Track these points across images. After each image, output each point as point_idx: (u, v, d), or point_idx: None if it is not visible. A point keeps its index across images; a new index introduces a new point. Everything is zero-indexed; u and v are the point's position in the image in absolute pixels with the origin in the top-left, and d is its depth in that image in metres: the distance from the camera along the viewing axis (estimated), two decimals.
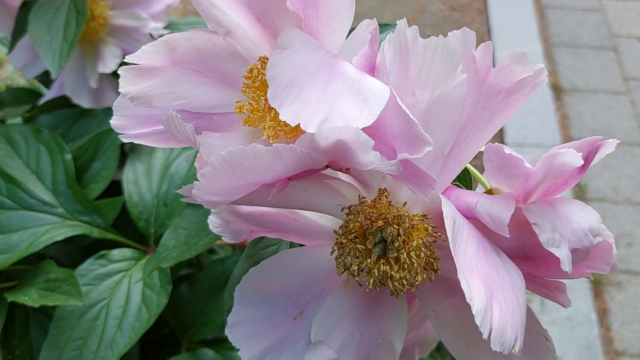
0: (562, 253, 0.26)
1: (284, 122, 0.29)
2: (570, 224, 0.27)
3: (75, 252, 0.67)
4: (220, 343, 0.68)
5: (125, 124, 0.31)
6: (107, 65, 0.61)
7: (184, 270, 0.74)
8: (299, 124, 0.27)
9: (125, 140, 0.31)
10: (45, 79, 0.71)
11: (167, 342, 0.74)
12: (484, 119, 0.28)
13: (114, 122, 0.31)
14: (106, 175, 0.60)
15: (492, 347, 0.23)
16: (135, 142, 0.31)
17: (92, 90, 0.64)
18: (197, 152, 0.61)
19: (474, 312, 0.23)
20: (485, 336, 0.23)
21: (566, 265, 0.26)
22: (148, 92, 0.29)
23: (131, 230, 0.61)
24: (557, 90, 1.85)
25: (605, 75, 1.91)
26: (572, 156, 0.26)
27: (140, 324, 0.53)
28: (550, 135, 1.72)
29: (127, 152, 0.64)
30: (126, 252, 0.58)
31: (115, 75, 0.66)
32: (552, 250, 0.26)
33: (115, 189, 0.65)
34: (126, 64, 0.28)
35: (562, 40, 2.04)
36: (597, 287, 1.42)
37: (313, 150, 0.25)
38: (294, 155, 0.24)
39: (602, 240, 0.28)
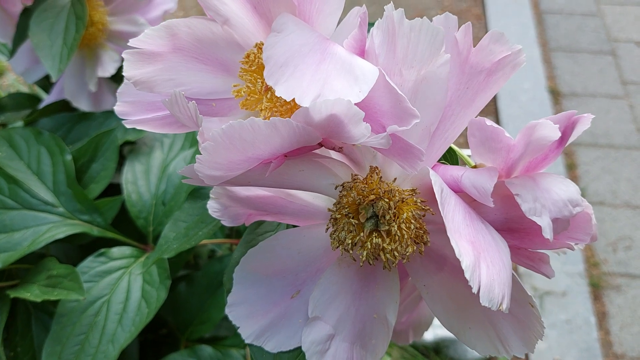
0: (544, 222, 0.28)
1: (280, 103, 0.31)
2: (551, 194, 0.29)
3: (74, 251, 0.68)
4: (219, 341, 0.69)
5: (129, 110, 0.33)
6: (106, 69, 0.63)
7: (181, 271, 0.75)
8: (294, 99, 0.29)
9: (128, 126, 0.33)
10: (45, 84, 0.73)
11: (165, 341, 0.75)
12: (467, 98, 0.30)
13: (117, 108, 0.33)
14: (105, 176, 0.61)
15: (481, 302, 0.25)
16: (138, 127, 0.33)
17: (91, 94, 0.66)
18: (195, 152, 0.63)
19: (463, 266, 0.24)
20: (474, 290, 0.25)
21: (547, 233, 0.28)
22: (150, 77, 0.31)
23: (130, 229, 0.63)
24: (556, 94, 1.88)
25: (603, 80, 1.94)
26: (550, 128, 0.27)
27: (140, 319, 0.55)
28: None
29: (125, 155, 0.66)
30: (125, 250, 0.59)
31: (114, 79, 0.68)
32: (534, 219, 0.28)
33: (112, 192, 0.67)
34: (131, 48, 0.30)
35: (561, 45, 2.08)
36: (596, 290, 1.43)
37: (307, 124, 0.26)
38: (289, 128, 0.26)
39: (582, 210, 0.29)
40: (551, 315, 1.36)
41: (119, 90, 0.33)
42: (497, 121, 1.78)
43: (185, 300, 0.69)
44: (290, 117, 0.30)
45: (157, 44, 0.30)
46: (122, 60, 0.65)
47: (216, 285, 0.69)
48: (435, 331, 1.23)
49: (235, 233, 0.75)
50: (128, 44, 0.29)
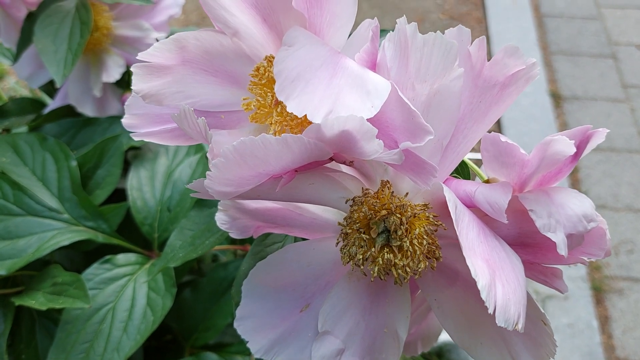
0: (558, 238, 0.27)
1: (290, 117, 0.30)
2: (565, 210, 0.28)
3: (78, 258, 0.68)
4: (223, 348, 0.69)
5: (136, 123, 0.32)
6: (111, 74, 0.63)
7: (186, 277, 0.75)
8: (306, 115, 0.29)
9: (136, 139, 0.32)
10: (49, 89, 0.73)
11: (169, 348, 0.74)
12: (480, 112, 0.30)
13: (125, 121, 0.32)
14: (110, 182, 0.61)
15: (497, 322, 0.24)
16: (146, 140, 0.32)
17: (96, 99, 0.66)
18: (200, 158, 0.62)
19: (479, 287, 0.24)
20: (490, 311, 0.24)
21: (562, 250, 0.27)
22: (159, 90, 0.31)
23: (135, 236, 0.62)
24: (557, 98, 1.87)
25: (604, 83, 1.93)
26: (565, 144, 0.27)
27: (146, 327, 0.54)
28: None
29: (129, 161, 0.66)
30: (131, 256, 0.59)
31: (118, 84, 0.67)
32: (549, 235, 0.28)
33: (118, 198, 0.66)
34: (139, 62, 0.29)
35: (561, 49, 2.07)
36: (598, 294, 1.42)
37: (319, 140, 0.26)
38: (301, 144, 0.25)
39: (596, 225, 0.29)
40: (553, 319, 1.36)
41: (127, 103, 0.32)
42: (499, 125, 1.77)
43: (189, 306, 0.69)
44: (301, 132, 0.30)
45: (166, 57, 0.30)
46: (127, 65, 0.65)
47: (221, 292, 0.69)
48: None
49: (239, 239, 0.74)
50: (137, 57, 0.29)
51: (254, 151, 0.25)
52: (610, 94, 1.89)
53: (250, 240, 0.69)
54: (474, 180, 0.37)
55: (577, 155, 0.30)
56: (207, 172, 0.26)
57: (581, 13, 2.20)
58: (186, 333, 0.70)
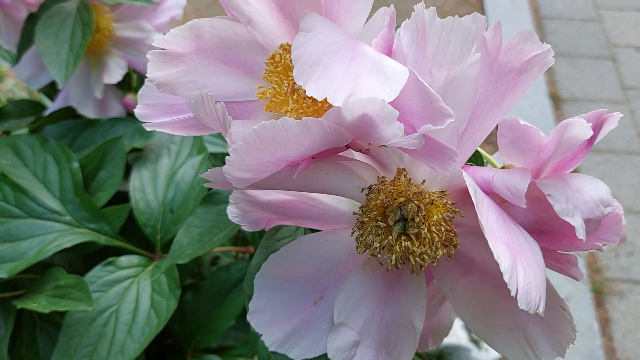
0: (576, 222, 0.27)
1: (307, 104, 0.30)
2: (582, 195, 0.28)
3: (78, 261, 0.67)
4: (226, 351, 0.68)
5: (149, 113, 0.32)
6: (112, 76, 0.62)
7: (186, 280, 0.74)
8: (323, 101, 0.29)
9: (148, 129, 0.32)
10: (49, 91, 0.72)
11: (171, 352, 0.74)
12: (495, 98, 0.30)
13: (137, 111, 0.32)
14: (113, 184, 0.60)
15: (519, 305, 0.24)
16: (158, 130, 0.32)
17: (97, 101, 0.65)
18: (203, 158, 0.62)
19: (502, 269, 0.24)
20: (513, 294, 0.24)
21: (581, 234, 0.27)
22: (173, 79, 0.30)
23: (137, 237, 0.62)
24: (556, 99, 1.89)
25: (603, 85, 1.94)
26: (582, 127, 0.27)
27: (150, 329, 0.53)
28: None
29: (130, 162, 0.65)
30: (133, 258, 0.58)
31: (119, 86, 0.67)
32: (567, 219, 0.28)
33: (119, 201, 0.66)
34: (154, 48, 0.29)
35: (561, 50, 2.09)
36: (599, 296, 1.42)
37: (339, 125, 0.26)
38: (321, 128, 0.25)
39: (612, 210, 0.29)
40: None
41: (139, 93, 0.32)
42: (497, 126, 1.78)
43: (191, 309, 0.68)
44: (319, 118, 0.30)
45: (182, 45, 0.30)
46: (129, 67, 0.65)
47: (223, 295, 0.68)
48: None
49: (241, 240, 0.74)
50: (153, 43, 0.29)
51: (275, 135, 0.25)
52: (609, 96, 1.90)
53: (254, 242, 0.68)
54: None
55: (591, 140, 0.30)
56: (227, 158, 0.26)
57: (580, 15, 2.23)
58: (188, 336, 0.69)
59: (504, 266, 0.25)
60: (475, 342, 1.33)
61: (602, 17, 2.21)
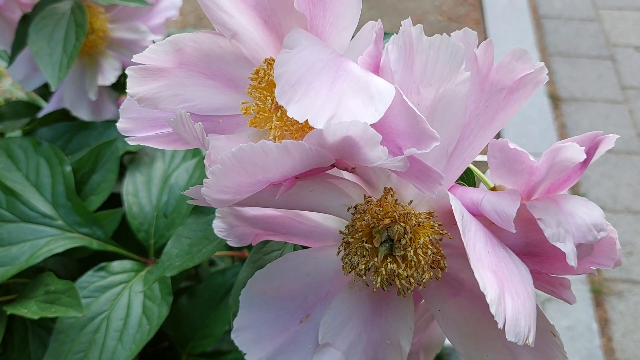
0: (567, 248, 0.27)
1: (291, 122, 0.29)
2: (574, 219, 0.27)
3: (73, 265, 0.66)
4: (221, 355, 0.68)
5: (132, 127, 0.31)
6: (107, 77, 0.62)
7: (183, 283, 0.74)
8: (307, 120, 0.28)
9: (131, 143, 0.31)
10: (44, 92, 0.72)
11: (166, 355, 0.73)
12: (486, 117, 0.29)
13: (120, 125, 0.31)
14: (106, 188, 0.60)
15: (507, 337, 0.24)
16: (142, 144, 0.31)
17: (91, 103, 0.65)
18: (197, 162, 0.61)
19: (488, 301, 0.23)
20: (500, 325, 0.23)
21: (572, 260, 0.26)
22: (154, 94, 0.30)
23: (131, 242, 0.61)
24: (555, 99, 1.87)
25: (603, 85, 1.92)
26: (575, 151, 0.26)
27: (141, 336, 0.53)
28: (548, 145, 1.72)
29: (125, 165, 0.65)
30: (126, 263, 0.58)
31: (114, 87, 0.66)
32: (558, 244, 0.27)
33: (113, 203, 0.65)
34: (134, 64, 0.28)
35: (560, 50, 2.07)
36: (598, 296, 1.41)
37: (321, 147, 0.25)
38: (302, 151, 0.24)
39: (606, 235, 0.28)
40: (553, 322, 1.35)
41: (122, 107, 0.31)
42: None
43: (186, 313, 0.68)
44: (301, 138, 0.29)
45: (162, 60, 0.29)
46: (123, 68, 0.64)
47: (218, 299, 0.68)
48: None
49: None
50: (132, 59, 0.28)
51: (253, 158, 0.24)
52: (608, 96, 1.88)
53: (249, 246, 0.68)
54: (478, 186, 0.36)
55: (586, 162, 0.29)
56: (205, 180, 0.25)
57: (579, 14, 2.20)
58: (183, 340, 0.68)
59: (490, 297, 0.24)
60: None
61: (601, 16, 2.19)
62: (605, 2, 2.26)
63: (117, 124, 0.31)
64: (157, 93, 0.30)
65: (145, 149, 0.63)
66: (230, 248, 0.73)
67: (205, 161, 0.25)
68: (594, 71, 1.98)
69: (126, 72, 0.28)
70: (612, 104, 1.86)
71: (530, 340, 0.25)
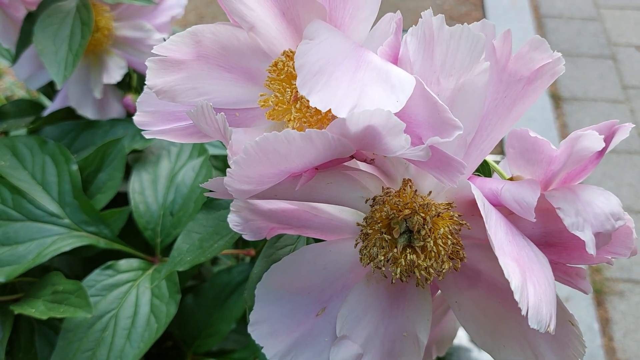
0: (587, 236, 0.27)
1: (310, 113, 0.29)
2: (592, 208, 0.28)
3: (77, 264, 0.66)
4: (226, 354, 0.68)
5: (149, 121, 0.31)
6: (112, 76, 0.62)
7: (187, 282, 0.74)
8: (327, 112, 0.28)
9: (148, 137, 0.31)
10: (48, 90, 0.71)
11: (170, 355, 0.73)
12: (504, 107, 0.29)
13: (137, 118, 0.31)
14: (112, 186, 0.60)
15: (529, 324, 0.24)
16: (158, 137, 0.31)
17: (96, 101, 0.64)
18: (203, 161, 0.61)
19: (512, 288, 0.23)
20: (523, 312, 0.23)
21: (591, 248, 0.27)
22: (172, 86, 0.30)
23: (137, 241, 0.61)
24: (557, 99, 1.87)
25: (604, 84, 1.93)
26: (594, 139, 0.26)
27: (149, 334, 0.53)
28: None
29: (130, 164, 0.64)
30: (133, 262, 0.58)
31: (119, 86, 0.66)
32: (577, 233, 0.27)
33: (119, 202, 0.65)
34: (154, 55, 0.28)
35: (561, 49, 2.07)
36: (599, 296, 1.42)
37: (343, 136, 0.25)
38: (325, 140, 0.24)
39: (624, 224, 0.28)
40: None
41: (138, 100, 0.31)
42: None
43: (192, 312, 0.68)
44: (321, 128, 0.29)
45: (182, 51, 0.29)
46: (128, 66, 0.64)
47: (224, 298, 0.68)
48: None
49: (242, 242, 0.73)
50: (152, 51, 0.28)
51: (277, 147, 0.24)
52: (610, 95, 1.89)
53: (254, 244, 0.68)
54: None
55: (602, 151, 0.29)
56: (228, 170, 0.25)
57: (580, 14, 2.21)
58: (188, 339, 0.68)
59: (514, 284, 0.24)
60: (475, 342, 1.33)
61: (603, 16, 2.20)
62: (606, 1, 2.28)
63: (134, 117, 0.31)
64: (175, 86, 0.30)
65: (151, 148, 0.62)
66: (236, 246, 0.73)
67: (227, 151, 0.25)
68: (595, 71, 1.98)
69: (146, 63, 0.28)
70: (613, 103, 1.86)
71: (552, 327, 0.25)
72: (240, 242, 0.74)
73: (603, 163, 1.70)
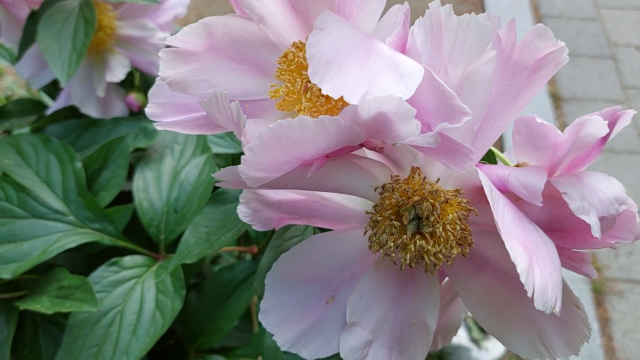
0: (592, 220, 0.27)
1: (320, 102, 0.30)
2: (597, 193, 0.28)
3: (81, 262, 0.66)
4: (229, 351, 0.68)
5: (160, 112, 0.32)
6: (115, 74, 0.62)
7: (190, 281, 0.74)
8: (337, 102, 0.29)
9: (159, 128, 0.32)
10: (50, 89, 0.72)
11: (173, 352, 0.73)
12: (510, 96, 0.30)
13: (148, 110, 0.32)
14: (116, 184, 0.60)
15: (535, 305, 0.24)
16: (169, 129, 0.32)
17: (99, 100, 0.65)
18: (207, 158, 0.62)
19: (518, 271, 0.24)
20: (529, 295, 0.24)
21: (596, 232, 0.27)
22: (184, 78, 0.30)
23: (141, 238, 0.61)
24: (556, 99, 1.89)
25: (604, 84, 1.94)
26: (598, 125, 0.27)
27: (155, 329, 0.53)
28: None
29: (132, 164, 0.65)
30: (137, 259, 0.58)
31: (122, 85, 0.67)
32: (583, 217, 0.27)
33: (122, 201, 0.65)
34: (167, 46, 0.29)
35: None
36: (599, 296, 1.43)
37: (355, 123, 0.25)
38: (337, 127, 0.25)
39: (627, 208, 0.29)
40: None
41: (150, 92, 0.32)
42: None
43: (194, 310, 0.68)
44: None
45: (194, 43, 0.29)
46: (131, 65, 0.64)
47: (226, 295, 0.68)
48: None
49: (244, 240, 0.74)
50: (165, 42, 0.28)
51: (291, 133, 0.25)
52: (609, 95, 1.90)
53: (257, 241, 0.68)
54: None
55: (605, 137, 0.30)
56: (242, 157, 0.25)
57: (580, 14, 2.23)
58: (191, 337, 0.68)
59: (520, 267, 0.24)
60: (475, 341, 1.33)
61: (603, 16, 2.22)
62: (606, 1, 2.29)
63: (146, 109, 0.32)
64: (187, 77, 0.30)
65: (154, 146, 0.63)
66: (238, 244, 0.73)
67: (241, 138, 0.26)
68: (595, 71, 2.00)
69: (159, 54, 0.29)
70: (613, 103, 1.88)
71: (557, 309, 0.25)
72: (242, 240, 0.75)
73: (603, 163, 1.71)
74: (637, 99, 1.89)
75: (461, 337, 1.31)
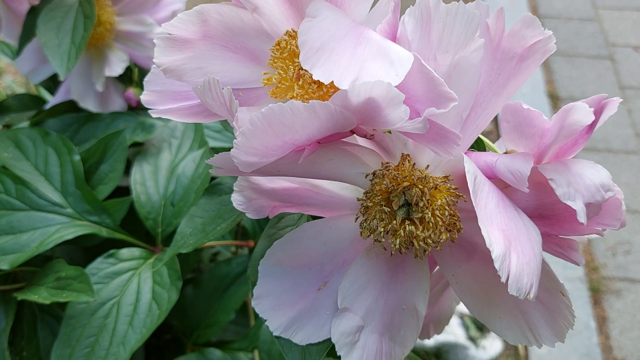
0: (578, 206, 0.28)
1: (312, 89, 0.31)
2: (583, 179, 0.29)
3: (79, 255, 0.67)
4: (226, 345, 0.68)
5: (155, 100, 0.32)
6: (114, 69, 0.63)
7: (187, 275, 0.74)
8: (328, 88, 0.29)
9: (154, 115, 0.32)
10: (49, 85, 0.72)
11: (169, 346, 0.74)
12: (498, 84, 0.30)
13: (144, 97, 0.32)
14: (114, 177, 0.61)
15: (509, 291, 0.25)
16: (164, 117, 0.32)
17: (98, 94, 0.65)
18: (204, 152, 0.62)
19: (493, 257, 0.24)
20: (503, 280, 0.24)
21: (582, 217, 0.28)
22: (179, 65, 0.31)
23: (138, 230, 0.62)
24: (554, 99, 1.89)
25: (601, 84, 1.95)
26: (584, 112, 0.27)
27: (151, 320, 0.54)
28: None
29: (130, 159, 0.65)
30: (135, 251, 0.58)
31: (120, 79, 0.67)
32: (569, 203, 0.28)
33: (119, 196, 0.66)
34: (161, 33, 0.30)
35: (559, 49, 2.10)
36: (596, 295, 1.43)
37: (345, 108, 0.26)
38: (328, 112, 0.26)
39: (613, 195, 0.29)
40: None
41: (145, 80, 0.32)
42: (496, 123, 1.79)
43: (191, 303, 0.69)
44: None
45: (188, 30, 0.30)
46: (130, 60, 0.65)
47: (223, 289, 0.69)
48: (436, 336, 1.22)
49: (241, 235, 0.74)
50: (160, 28, 0.29)
51: (282, 118, 0.25)
52: (607, 95, 1.91)
53: (253, 236, 0.69)
54: None
55: (592, 125, 0.30)
56: (234, 141, 0.26)
57: (578, 14, 2.23)
58: (188, 330, 0.69)
59: (495, 253, 0.25)
60: (472, 340, 1.34)
61: (601, 16, 2.22)
62: (604, 2, 2.30)
63: (141, 96, 0.32)
64: (182, 65, 0.31)
65: (151, 140, 0.63)
66: (235, 237, 0.74)
67: (233, 123, 0.27)
68: (593, 71, 2.00)
69: (154, 41, 0.29)
70: None
71: (532, 295, 0.26)
72: (239, 235, 0.75)
73: (600, 162, 1.71)
74: (634, 99, 1.90)
75: (458, 336, 1.32)
